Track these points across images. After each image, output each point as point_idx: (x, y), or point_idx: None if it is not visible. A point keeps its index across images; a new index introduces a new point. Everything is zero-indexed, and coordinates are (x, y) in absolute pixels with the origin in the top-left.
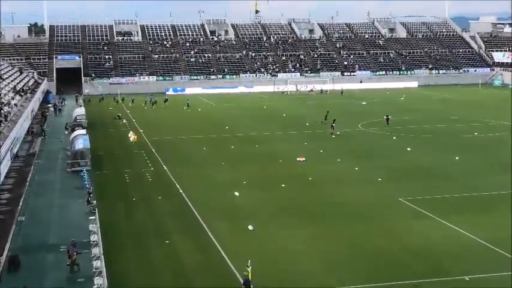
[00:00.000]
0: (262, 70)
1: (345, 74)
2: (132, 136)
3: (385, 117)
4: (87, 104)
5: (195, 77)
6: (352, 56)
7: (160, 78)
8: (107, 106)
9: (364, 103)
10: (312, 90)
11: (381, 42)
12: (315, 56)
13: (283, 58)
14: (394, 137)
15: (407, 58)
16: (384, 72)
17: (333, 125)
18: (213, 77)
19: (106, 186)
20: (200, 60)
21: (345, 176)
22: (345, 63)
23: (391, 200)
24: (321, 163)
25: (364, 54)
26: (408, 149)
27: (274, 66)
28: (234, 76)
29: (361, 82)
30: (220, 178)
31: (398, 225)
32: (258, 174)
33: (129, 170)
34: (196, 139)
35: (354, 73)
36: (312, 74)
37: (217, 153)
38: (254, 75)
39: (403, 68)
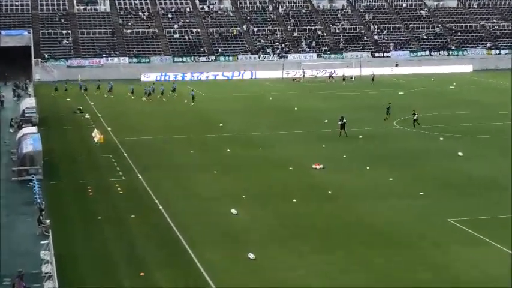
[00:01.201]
0: (268, 50)
1: (376, 55)
2: (97, 135)
3: (414, 116)
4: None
5: (180, 59)
6: (385, 32)
7: (134, 60)
8: (64, 96)
9: (402, 93)
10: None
11: (423, 14)
12: (337, 31)
13: (295, 34)
14: (441, 138)
15: (459, 34)
16: (427, 53)
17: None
18: (203, 58)
19: (63, 201)
20: (186, 37)
21: (375, 189)
22: (376, 39)
23: (437, 221)
24: (343, 172)
25: (402, 29)
26: (459, 153)
27: (283, 45)
28: (231, 58)
29: (397, 66)
30: (212, 191)
31: (447, 253)
32: (262, 186)
33: (93, 180)
34: (182, 140)
35: (388, 54)
36: (332, 55)
37: (209, 158)
38: (257, 56)
39: (453, 47)
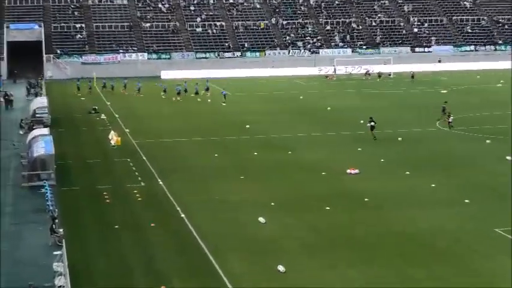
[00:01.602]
0: (298, 45)
1: (416, 50)
2: (113, 138)
3: (449, 119)
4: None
5: (202, 55)
6: (426, 25)
7: (154, 56)
8: (78, 95)
9: (445, 91)
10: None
11: (468, 5)
12: (373, 24)
13: (328, 28)
14: (488, 141)
15: (506, 27)
16: (472, 48)
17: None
18: (228, 54)
19: (77, 208)
20: (209, 31)
21: (416, 196)
22: (416, 33)
23: (483, 231)
24: (381, 177)
25: (444, 22)
26: (508, 157)
27: (315, 40)
28: (258, 53)
29: (439, 62)
30: (238, 198)
31: (494, 266)
32: (292, 193)
33: (110, 186)
34: (206, 142)
35: (429, 49)
36: (368, 51)
37: (234, 163)
38: (286, 52)
39: (501, 42)
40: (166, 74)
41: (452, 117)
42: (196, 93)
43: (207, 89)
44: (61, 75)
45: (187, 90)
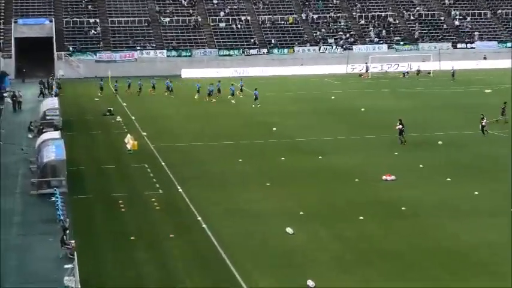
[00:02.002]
0: (329, 41)
1: (458, 46)
2: (130, 142)
3: (482, 122)
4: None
5: (227, 52)
6: (468, 19)
7: (174, 53)
8: (99, 96)
9: (489, 91)
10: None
11: None
12: (411, 18)
13: (362, 22)
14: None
15: None
16: None
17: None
18: (253, 51)
19: (90, 218)
20: (234, 27)
21: (457, 205)
22: (458, 28)
23: None
24: (420, 184)
25: (488, 16)
26: None
27: (348, 35)
28: (286, 50)
29: (484, 59)
30: (264, 206)
31: None
32: (322, 201)
33: (126, 194)
34: (229, 147)
35: (473, 45)
36: (406, 47)
37: (260, 168)
38: (316, 48)
39: None
40: (187, 73)
41: (486, 121)
42: (232, 94)
43: (241, 89)
44: (73, 73)
45: (221, 91)
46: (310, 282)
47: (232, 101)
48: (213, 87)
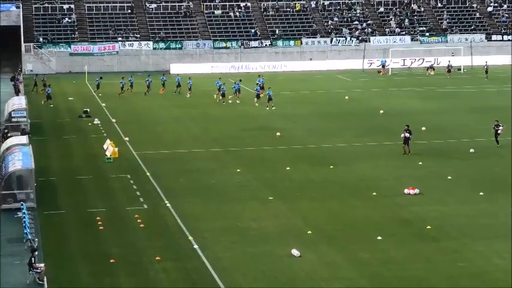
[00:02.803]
0: (343, 32)
1: (493, 37)
2: (109, 148)
3: (498, 129)
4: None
5: (222, 45)
6: (505, 6)
7: (161, 45)
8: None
9: None
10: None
11: None
12: (439, 5)
13: (381, 10)
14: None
15: None
16: None
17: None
18: (254, 43)
19: (63, 237)
20: (232, 15)
21: (492, 224)
22: (492, 16)
23: None
24: (447, 199)
25: None
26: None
27: (365, 25)
28: (292, 42)
29: None
30: (265, 224)
31: None
32: (334, 218)
33: (104, 209)
34: (226, 154)
35: (509, 37)
36: (432, 39)
37: (261, 180)
38: (328, 40)
39: None
40: (176, 68)
41: (502, 127)
42: (235, 93)
43: (261, 87)
44: (44, 69)
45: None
46: (294, 251)
47: (236, 101)
48: (223, 85)
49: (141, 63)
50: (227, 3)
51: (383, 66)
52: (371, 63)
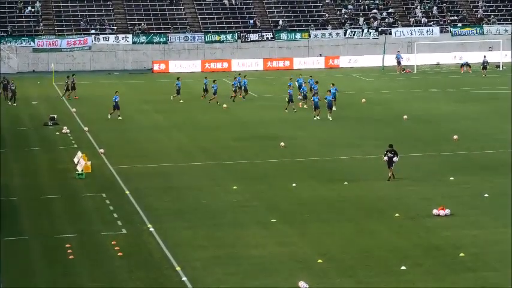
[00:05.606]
0: (359, 23)
1: None
2: (81, 162)
3: None
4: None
5: (215, 38)
6: None
7: (142, 38)
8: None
9: None
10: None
11: None
12: None
13: None
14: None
15: None
16: None
17: None
18: (253, 36)
19: (25, 267)
20: (226, 3)
21: None
22: None
23: None
24: (484, 221)
25: None
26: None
27: (385, 14)
28: (298, 35)
29: None
30: (267, 251)
31: None
32: (348, 245)
33: (75, 234)
34: (219, 168)
35: None
36: (465, 30)
37: (262, 199)
38: (341, 32)
39: None
40: (160, 66)
41: None
42: (235, 91)
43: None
44: (2, 68)
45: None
46: (302, 284)
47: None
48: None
49: (118, 60)
50: None
51: (398, 62)
52: (401, 60)
